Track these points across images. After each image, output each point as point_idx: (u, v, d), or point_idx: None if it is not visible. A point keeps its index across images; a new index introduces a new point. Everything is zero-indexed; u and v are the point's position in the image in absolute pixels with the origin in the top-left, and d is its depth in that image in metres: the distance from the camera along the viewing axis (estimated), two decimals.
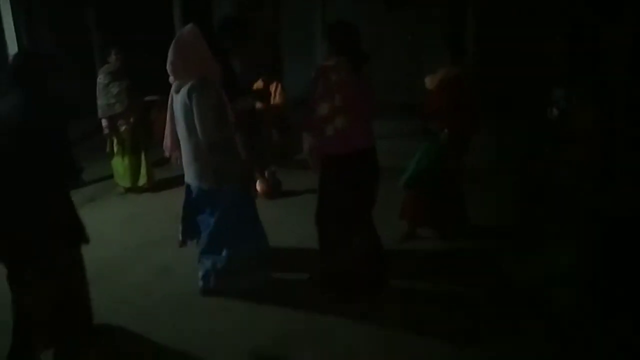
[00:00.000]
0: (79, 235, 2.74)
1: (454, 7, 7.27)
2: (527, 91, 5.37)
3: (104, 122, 5.29)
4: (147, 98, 5.93)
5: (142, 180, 5.59)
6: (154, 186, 5.64)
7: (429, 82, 3.92)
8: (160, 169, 5.87)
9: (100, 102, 5.21)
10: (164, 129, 3.92)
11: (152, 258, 3.96)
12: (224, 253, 3.27)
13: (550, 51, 3.15)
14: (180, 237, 3.45)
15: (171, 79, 3.14)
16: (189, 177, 3.24)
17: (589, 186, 2.87)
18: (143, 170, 5.57)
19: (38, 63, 2.64)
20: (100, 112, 5.24)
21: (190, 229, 3.42)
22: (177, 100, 3.09)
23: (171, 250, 4.06)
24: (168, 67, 3.09)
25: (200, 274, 3.37)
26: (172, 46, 3.05)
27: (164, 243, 4.16)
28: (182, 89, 3.02)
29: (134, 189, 5.57)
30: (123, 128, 5.36)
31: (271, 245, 3.67)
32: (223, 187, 3.15)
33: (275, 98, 6.09)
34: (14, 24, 5.76)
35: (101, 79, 5.25)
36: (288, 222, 4.59)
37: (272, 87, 6.15)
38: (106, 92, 5.22)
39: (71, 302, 2.73)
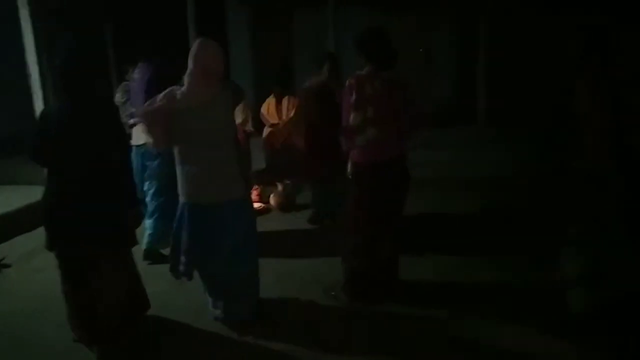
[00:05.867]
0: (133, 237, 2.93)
1: (465, 15, 7.34)
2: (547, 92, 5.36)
3: None
4: None
5: None
6: None
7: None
8: None
9: None
10: None
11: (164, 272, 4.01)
12: (240, 274, 3.06)
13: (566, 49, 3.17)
14: (183, 269, 3.07)
15: (187, 100, 2.86)
16: (208, 195, 2.93)
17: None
18: None
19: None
20: None
21: (196, 258, 3.07)
22: (202, 113, 2.86)
23: None
24: (193, 84, 2.86)
25: (216, 305, 3.17)
26: (200, 62, 2.86)
27: None
28: (210, 100, 2.86)
29: None
30: None
31: (284, 257, 3.67)
32: (247, 196, 3.08)
33: (290, 113, 6.15)
34: (35, 42, 5.91)
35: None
36: (302, 235, 4.64)
37: (285, 102, 6.23)
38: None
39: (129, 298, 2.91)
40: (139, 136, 4.01)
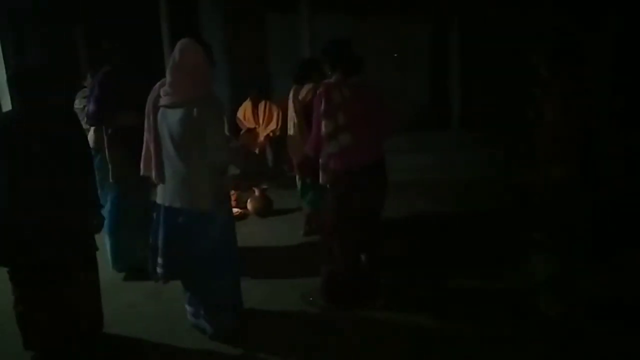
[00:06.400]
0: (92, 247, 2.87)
1: (437, 19, 7.44)
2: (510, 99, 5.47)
3: None
4: None
5: None
6: None
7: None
8: None
9: None
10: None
11: (142, 282, 3.94)
12: (217, 284, 3.00)
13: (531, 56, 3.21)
14: (161, 272, 2.98)
15: (166, 98, 2.85)
16: (176, 200, 2.88)
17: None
18: None
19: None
20: None
21: (174, 263, 2.97)
22: (175, 116, 2.80)
23: None
24: (171, 85, 2.83)
25: (196, 317, 3.12)
26: (177, 63, 2.81)
27: None
28: (186, 105, 2.78)
29: None
30: None
31: (262, 262, 3.60)
32: (220, 210, 2.94)
33: (267, 117, 6.14)
34: (1, 42, 5.75)
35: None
36: (279, 240, 4.62)
37: (261, 106, 6.21)
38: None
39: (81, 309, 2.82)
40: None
